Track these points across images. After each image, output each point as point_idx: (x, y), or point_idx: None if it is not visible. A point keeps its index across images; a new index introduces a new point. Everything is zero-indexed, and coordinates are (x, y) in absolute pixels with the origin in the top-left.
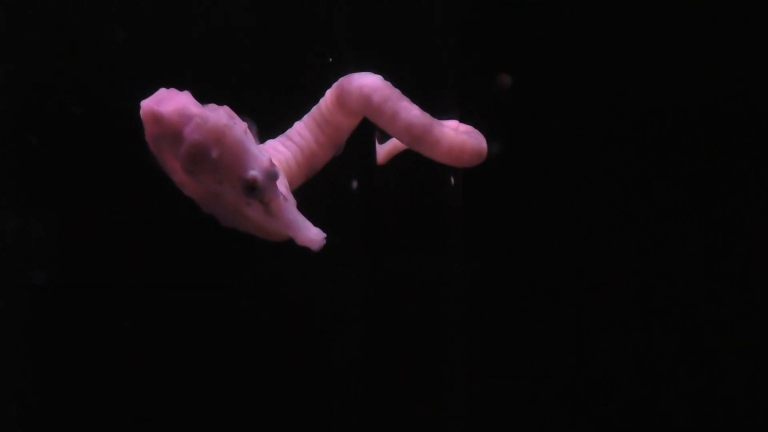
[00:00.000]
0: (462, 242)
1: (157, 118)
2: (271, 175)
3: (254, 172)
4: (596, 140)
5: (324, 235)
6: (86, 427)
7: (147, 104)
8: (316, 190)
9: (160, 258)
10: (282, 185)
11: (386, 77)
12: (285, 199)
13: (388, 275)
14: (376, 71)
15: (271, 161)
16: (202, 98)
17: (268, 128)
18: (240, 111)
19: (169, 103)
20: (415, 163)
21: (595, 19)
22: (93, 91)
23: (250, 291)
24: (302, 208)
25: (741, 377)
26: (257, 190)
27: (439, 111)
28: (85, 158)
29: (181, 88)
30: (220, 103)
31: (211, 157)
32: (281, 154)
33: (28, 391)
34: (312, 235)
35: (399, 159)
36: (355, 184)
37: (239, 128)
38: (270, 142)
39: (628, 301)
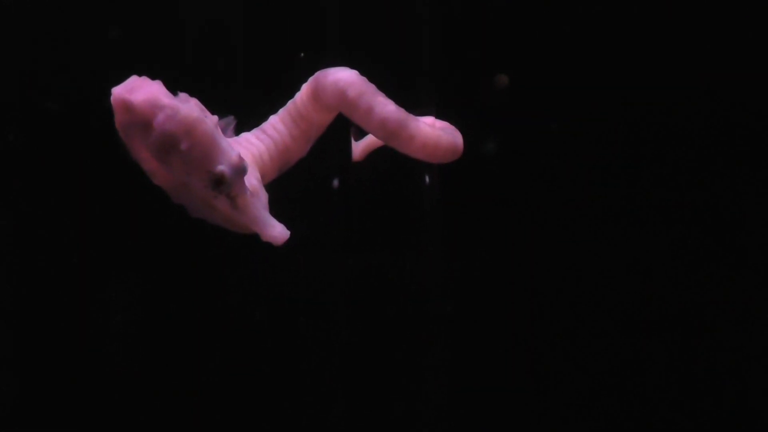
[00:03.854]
0: (439, 239)
1: (128, 107)
2: (239, 170)
3: (222, 167)
4: (575, 137)
5: (288, 232)
6: (78, 426)
7: (118, 91)
8: (295, 188)
9: (138, 252)
10: (254, 178)
11: (362, 72)
12: (252, 194)
13: (367, 272)
14: (351, 66)
15: (239, 156)
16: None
17: (242, 122)
18: (215, 105)
19: (140, 91)
20: (391, 161)
21: (578, 14)
22: (65, 80)
23: (227, 289)
24: (280, 204)
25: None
26: (224, 185)
27: (416, 107)
28: (61, 151)
29: (154, 78)
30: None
31: (181, 148)
32: (255, 147)
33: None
34: (276, 231)
35: (375, 157)
36: (336, 183)
37: (210, 122)
38: (244, 135)
39: (609, 299)
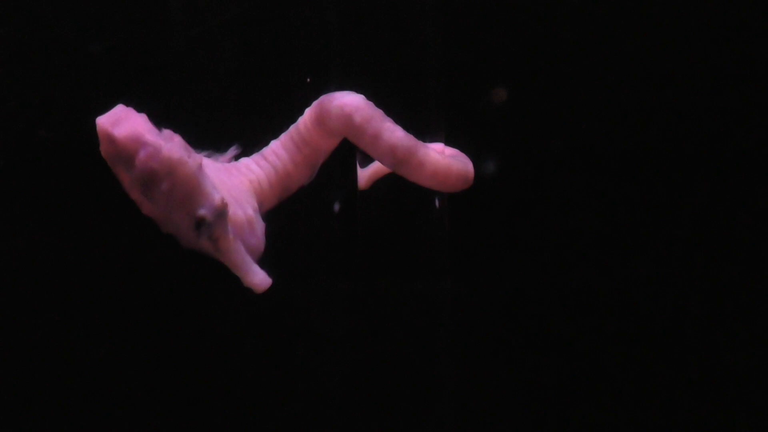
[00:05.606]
0: (448, 265)
1: (111, 140)
2: (221, 214)
3: (203, 211)
4: (584, 158)
5: (270, 280)
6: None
7: (102, 122)
8: (296, 213)
9: (144, 270)
10: (250, 207)
11: (369, 97)
12: (234, 238)
13: (374, 299)
14: (358, 91)
15: (222, 200)
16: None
17: (242, 145)
18: (215, 128)
19: (123, 125)
20: (398, 184)
21: (585, 35)
22: (69, 102)
23: (230, 316)
24: (281, 230)
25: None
26: (204, 227)
27: (424, 133)
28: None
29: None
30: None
31: (161, 189)
32: (254, 173)
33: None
34: (257, 279)
35: (382, 181)
36: (336, 207)
37: (192, 162)
38: (243, 161)
39: (616, 322)
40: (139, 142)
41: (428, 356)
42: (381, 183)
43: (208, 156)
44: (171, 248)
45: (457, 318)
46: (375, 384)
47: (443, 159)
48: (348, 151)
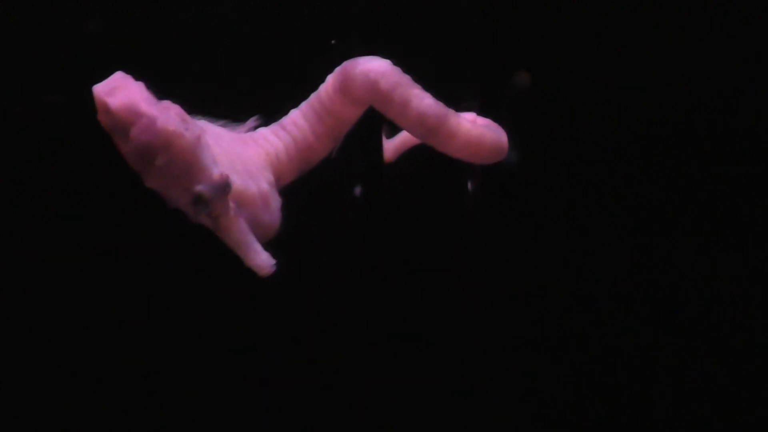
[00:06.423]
0: (482, 257)
1: (106, 109)
2: (220, 190)
3: (201, 187)
4: (632, 144)
5: (273, 261)
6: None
7: (98, 91)
8: (312, 196)
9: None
10: (266, 181)
11: (396, 63)
12: (236, 216)
13: (397, 297)
14: (384, 55)
15: (222, 175)
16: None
17: (267, 118)
18: (231, 97)
19: (119, 94)
20: (427, 164)
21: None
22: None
23: (243, 315)
24: (294, 210)
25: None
26: (202, 205)
27: (456, 102)
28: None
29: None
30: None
31: (157, 163)
32: (271, 145)
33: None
34: (260, 260)
35: (409, 159)
36: (358, 190)
37: (190, 135)
38: (261, 131)
39: (661, 325)
40: (134, 113)
41: (457, 358)
42: (405, 169)
43: (224, 126)
44: (177, 237)
45: (491, 318)
46: (395, 390)
47: (476, 128)
48: (373, 121)
